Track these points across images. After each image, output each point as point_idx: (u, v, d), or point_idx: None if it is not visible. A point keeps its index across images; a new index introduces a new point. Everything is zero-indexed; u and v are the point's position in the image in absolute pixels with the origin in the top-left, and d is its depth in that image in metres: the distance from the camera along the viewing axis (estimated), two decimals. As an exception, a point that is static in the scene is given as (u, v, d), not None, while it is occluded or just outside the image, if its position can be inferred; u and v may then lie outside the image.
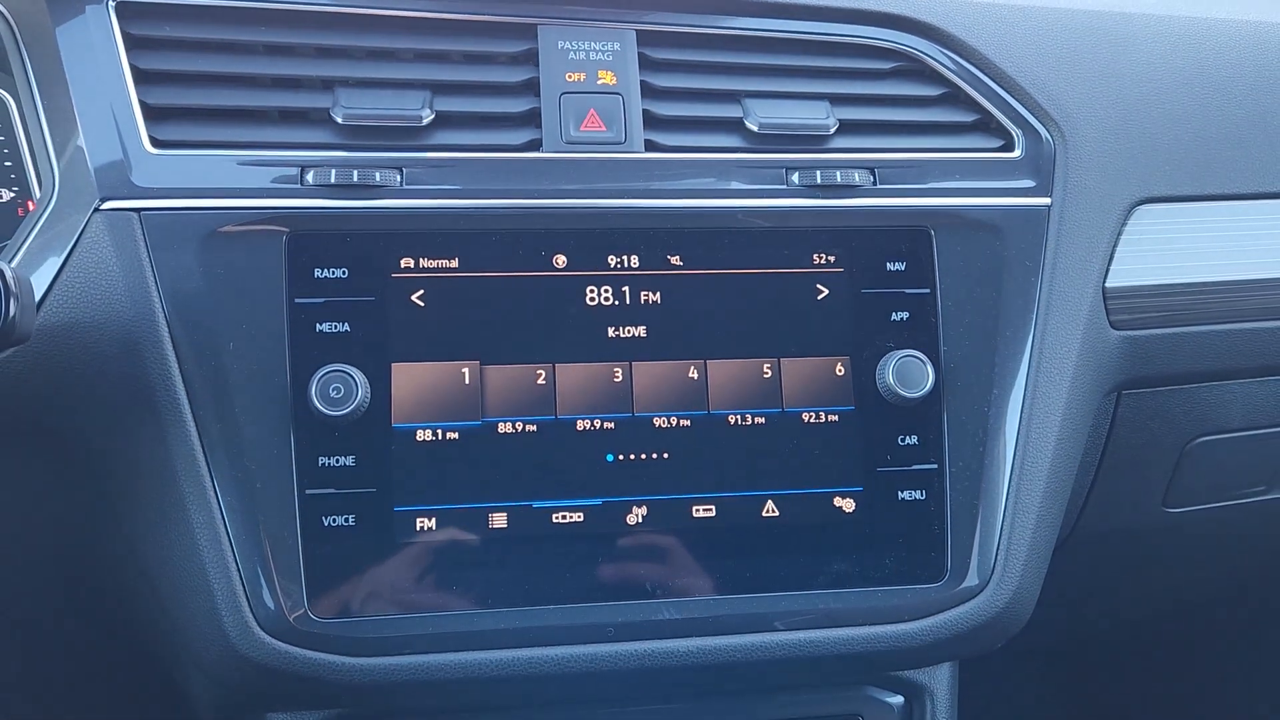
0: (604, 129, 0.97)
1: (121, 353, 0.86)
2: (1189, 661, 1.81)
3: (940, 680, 1.07)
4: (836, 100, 1.02)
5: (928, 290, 0.99)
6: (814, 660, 0.94)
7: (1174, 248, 1.08)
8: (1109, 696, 1.93)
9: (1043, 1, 1.12)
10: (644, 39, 1.00)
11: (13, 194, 0.96)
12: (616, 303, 0.94)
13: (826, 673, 1.01)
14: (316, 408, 0.87)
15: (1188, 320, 1.08)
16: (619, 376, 0.93)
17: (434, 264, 0.92)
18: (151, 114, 0.90)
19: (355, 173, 0.91)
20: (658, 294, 0.95)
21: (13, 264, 0.84)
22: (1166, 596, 1.64)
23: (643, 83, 0.99)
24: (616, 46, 0.99)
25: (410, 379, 0.90)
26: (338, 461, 0.89)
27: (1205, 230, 1.10)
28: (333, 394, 0.87)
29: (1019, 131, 1.05)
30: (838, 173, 0.98)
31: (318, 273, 0.90)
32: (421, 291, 0.91)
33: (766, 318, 0.96)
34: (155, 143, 0.89)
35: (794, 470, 0.95)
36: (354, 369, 0.88)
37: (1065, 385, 0.99)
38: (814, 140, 1.00)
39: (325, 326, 0.90)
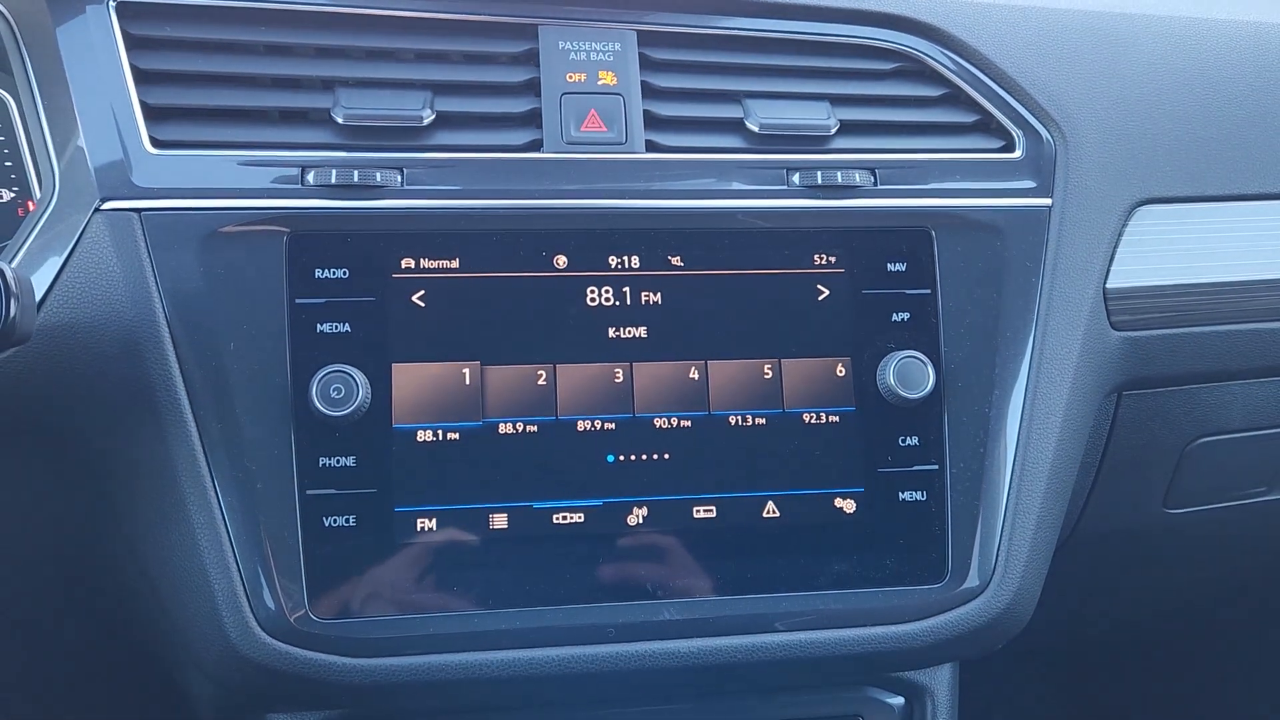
0: (605, 129, 0.97)
1: (122, 353, 0.86)
2: (1189, 662, 1.81)
3: (941, 681, 1.07)
4: (837, 101, 1.02)
5: (928, 291, 0.99)
6: (815, 661, 0.94)
7: (1175, 248, 1.08)
8: (1109, 697, 1.93)
9: (1043, 2, 1.12)
10: (645, 39, 1.00)
11: (13, 194, 0.96)
12: (617, 303, 0.94)
13: (827, 673, 1.01)
14: (317, 408, 0.87)
15: (1189, 321, 1.08)
16: (620, 377, 0.93)
17: (435, 264, 0.92)
18: (152, 114, 0.90)
19: (356, 173, 0.91)
20: (658, 294, 0.95)
21: (13, 264, 0.84)
22: (1167, 597, 1.64)
23: (643, 83, 0.99)
24: (617, 47, 0.99)
25: (411, 379, 0.90)
26: (338, 462, 0.89)
27: (1206, 231, 1.10)
28: (333, 394, 0.87)
29: (1020, 132, 1.05)
30: (838, 173, 0.98)
31: (318, 273, 0.90)
32: (422, 292, 0.91)
33: (767, 318, 0.96)
34: (155, 143, 0.89)
35: (795, 471, 0.95)
36: (355, 369, 0.88)
37: (1066, 386, 0.99)
38: (814, 141, 1.00)
39: (326, 327, 0.90)
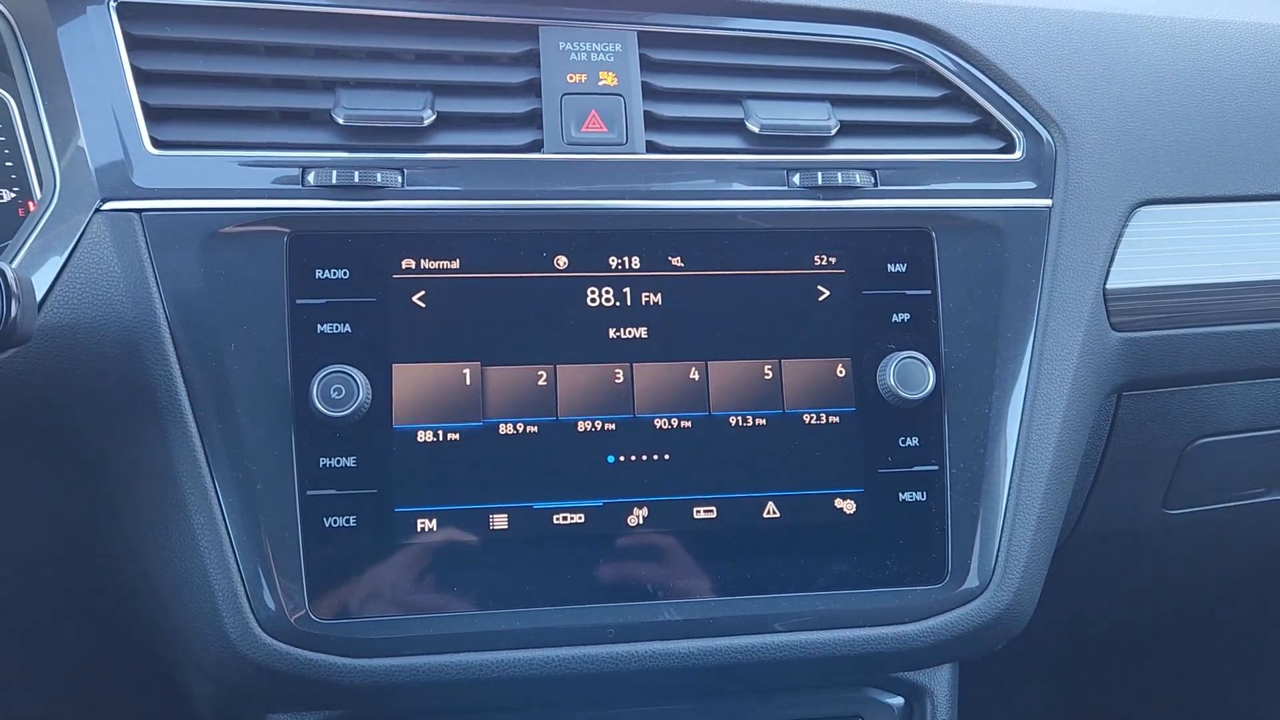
0: (605, 130, 0.97)
1: (122, 353, 0.86)
2: (1189, 662, 1.81)
3: (940, 681, 1.07)
4: (837, 102, 1.02)
5: (929, 292, 0.99)
6: (814, 661, 0.94)
7: (1175, 249, 1.08)
8: (1109, 697, 1.93)
9: (1043, 3, 1.12)
10: (645, 40, 1.00)
11: (13, 194, 0.96)
12: (617, 304, 0.94)
13: (827, 674, 1.01)
14: (318, 409, 0.87)
15: (1188, 322, 1.08)
16: (620, 378, 0.93)
17: (435, 265, 0.92)
18: (152, 114, 0.90)
19: (356, 174, 0.91)
20: (659, 295, 0.95)
21: (14, 264, 0.84)
22: (1167, 597, 1.64)
23: (644, 84, 0.99)
24: (618, 47, 0.99)
25: (411, 380, 0.90)
26: (339, 462, 0.89)
27: (1206, 232, 1.10)
28: (334, 395, 0.87)
29: (1020, 133, 1.05)
30: (839, 174, 0.98)
31: (319, 273, 0.90)
32: (423, 292, 0.91)
33: (767, 319, 0.96)
34: (156, 143, 0.89)
35: (795, 471, 0.95)
36: (355, 370, 0.88)
37: (1066, 387, 0.99)
38: (815, 141, 1.00)
39: (326, 327, 0.90)
